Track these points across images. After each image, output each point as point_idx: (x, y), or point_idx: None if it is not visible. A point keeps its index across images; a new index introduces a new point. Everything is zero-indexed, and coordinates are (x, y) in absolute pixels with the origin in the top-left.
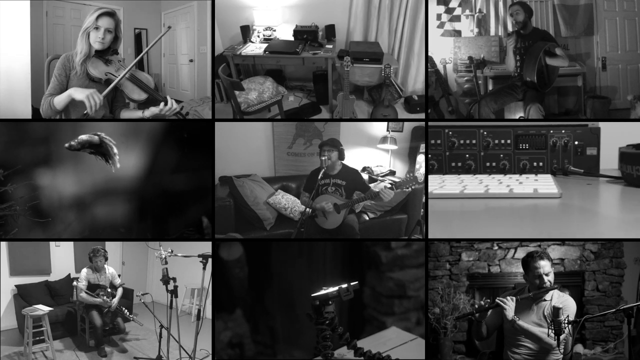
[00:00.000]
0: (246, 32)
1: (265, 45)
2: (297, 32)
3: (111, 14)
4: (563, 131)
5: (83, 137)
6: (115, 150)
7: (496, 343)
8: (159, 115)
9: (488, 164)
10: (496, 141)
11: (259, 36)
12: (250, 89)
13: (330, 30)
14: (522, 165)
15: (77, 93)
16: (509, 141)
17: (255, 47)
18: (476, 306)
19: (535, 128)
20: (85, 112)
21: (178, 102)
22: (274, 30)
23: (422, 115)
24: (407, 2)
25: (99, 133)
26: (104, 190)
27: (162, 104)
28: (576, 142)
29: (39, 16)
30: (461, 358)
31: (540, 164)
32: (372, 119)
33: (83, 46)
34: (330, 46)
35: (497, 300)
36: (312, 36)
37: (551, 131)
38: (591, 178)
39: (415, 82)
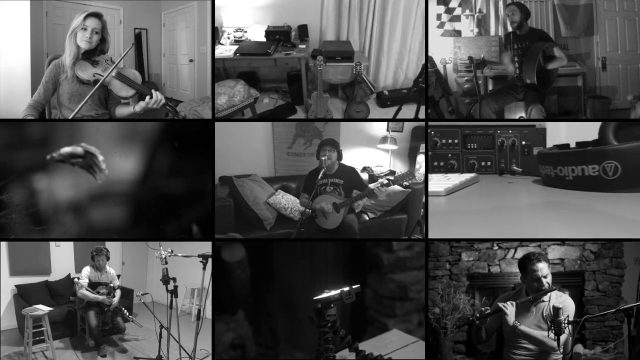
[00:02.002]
0: (215, 34)
1: (236, 47)
2: (269, 33)
3: (98, 15)
4: (510, 131)
5: (66, 149)
6: (101, 158)
7: (496, 343)
8: (147, 108)
9: (436, 164)
10: (444, 140)
11: (229, 38)
12: (220, 93)
13: (302, 30)
14: (470, 165)
15: None
16: (456, 141)
17: (224, 50)
18: (477, 314)
19: (482, 128)
20: None
21: (178, 102)
22: (245, 32)
23: (398, 110)
24: (375, 1)
25: (82, 144)
26: (99, 195)
27: (147, 97)
28: (523, 142)
29: (39, 16)
30: (461, 358)
31: (489, 163)
32: (372, 119)
33: (72, 47)
34: (304, 46)
35: (497, 304)
36: (284, 36)
37: (498, 131)
38: (528, 177)
39: (386, 78)
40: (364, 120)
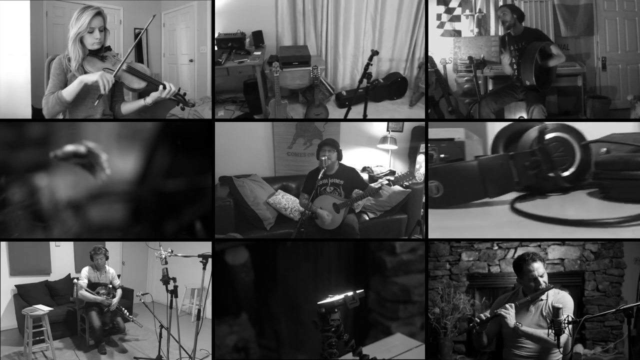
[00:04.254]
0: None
1: None
2: (220, 41)
3: (101, 12)
4: (429, 145)
5: (69, 147)
6: (104, 157)
7: (496, 343)
8: (158, 99)
9: None
10: None
11: None
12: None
13: (257, 36)
14: None
15: (88, 76)
16: None
17: None
18: (477, 320)
19: None
20: (99, 94)
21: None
22: None
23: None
24: (327, 5)
25: (85, 142)
26: (100, 194)
27: (160, 87)
28: (442, 155)
29: (39, 16)
30: (461, 358)
31: None
32: (373, 119)
33: (78, 52)
34: (259, 53)
35: (496, 311)
36: (237, 44)
37: None
38: None
39: (344, 79)
40: (364, 120)
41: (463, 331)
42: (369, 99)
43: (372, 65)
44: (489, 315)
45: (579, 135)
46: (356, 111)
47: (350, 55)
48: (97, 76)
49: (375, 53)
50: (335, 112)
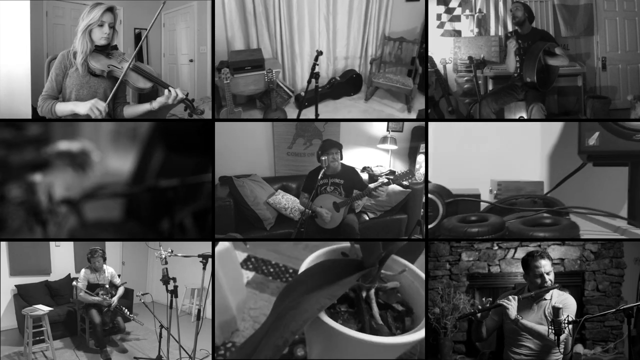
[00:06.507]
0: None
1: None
2: None
3: (113, 9)
4: None
5: (63, 144)
6: (95, 156)
7: (496, 343)
8: (165, 104)
9: None
10: None
11: None
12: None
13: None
14: None
15: (80, 107)
16: None
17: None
18: (479, 306)
19: None
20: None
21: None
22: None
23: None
24: (280, 5)
25: (79, 141)
26: (98, 193)
27: (166, 91)
28: None
29: (39, 16)
30: (461, 358)
31: None
32: (373, 119)
33: (85, 44)
34: None
35: (498, 301)
36: None
37: None
38: None
39: (303, 80)
40: (364, 120)
41: (464, 316)
42: (329, 96)
43: (318, 65)
44: (490, 302)
45: (446, 193)
46: (311, 110)
47: (307, 55)
48: (86, 109)
49: (320, 53)
50: (294, 114)
